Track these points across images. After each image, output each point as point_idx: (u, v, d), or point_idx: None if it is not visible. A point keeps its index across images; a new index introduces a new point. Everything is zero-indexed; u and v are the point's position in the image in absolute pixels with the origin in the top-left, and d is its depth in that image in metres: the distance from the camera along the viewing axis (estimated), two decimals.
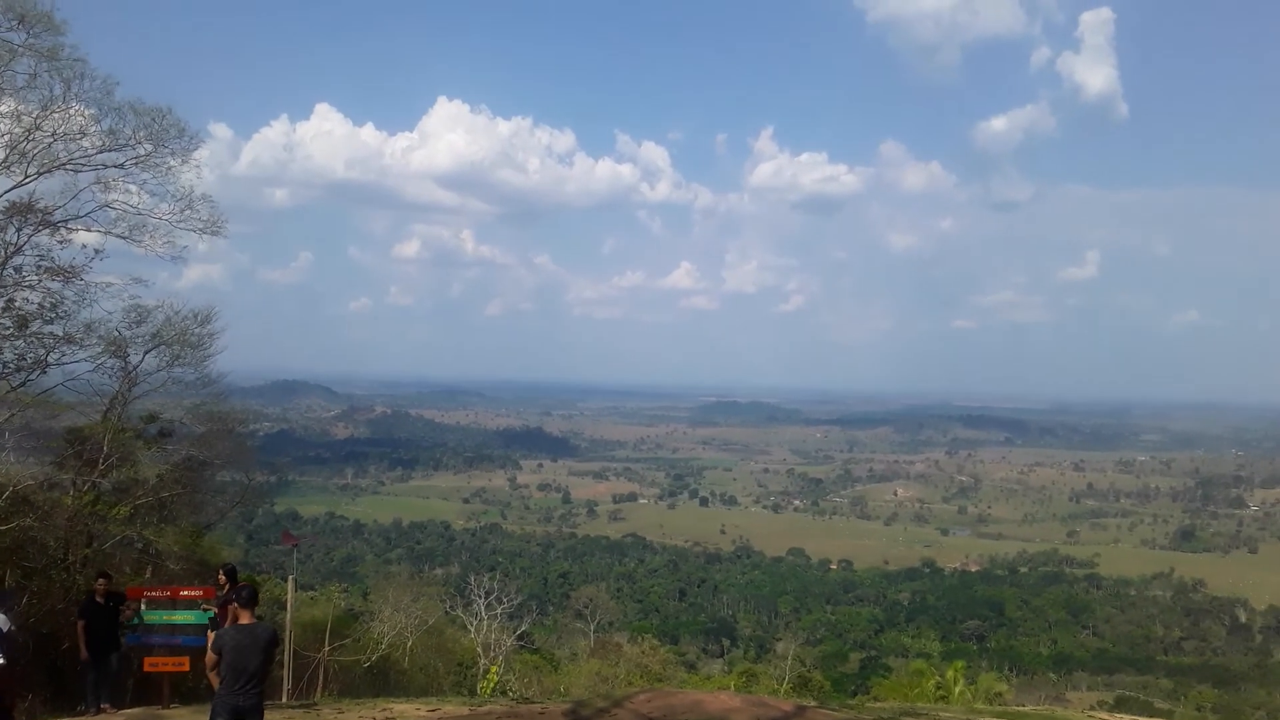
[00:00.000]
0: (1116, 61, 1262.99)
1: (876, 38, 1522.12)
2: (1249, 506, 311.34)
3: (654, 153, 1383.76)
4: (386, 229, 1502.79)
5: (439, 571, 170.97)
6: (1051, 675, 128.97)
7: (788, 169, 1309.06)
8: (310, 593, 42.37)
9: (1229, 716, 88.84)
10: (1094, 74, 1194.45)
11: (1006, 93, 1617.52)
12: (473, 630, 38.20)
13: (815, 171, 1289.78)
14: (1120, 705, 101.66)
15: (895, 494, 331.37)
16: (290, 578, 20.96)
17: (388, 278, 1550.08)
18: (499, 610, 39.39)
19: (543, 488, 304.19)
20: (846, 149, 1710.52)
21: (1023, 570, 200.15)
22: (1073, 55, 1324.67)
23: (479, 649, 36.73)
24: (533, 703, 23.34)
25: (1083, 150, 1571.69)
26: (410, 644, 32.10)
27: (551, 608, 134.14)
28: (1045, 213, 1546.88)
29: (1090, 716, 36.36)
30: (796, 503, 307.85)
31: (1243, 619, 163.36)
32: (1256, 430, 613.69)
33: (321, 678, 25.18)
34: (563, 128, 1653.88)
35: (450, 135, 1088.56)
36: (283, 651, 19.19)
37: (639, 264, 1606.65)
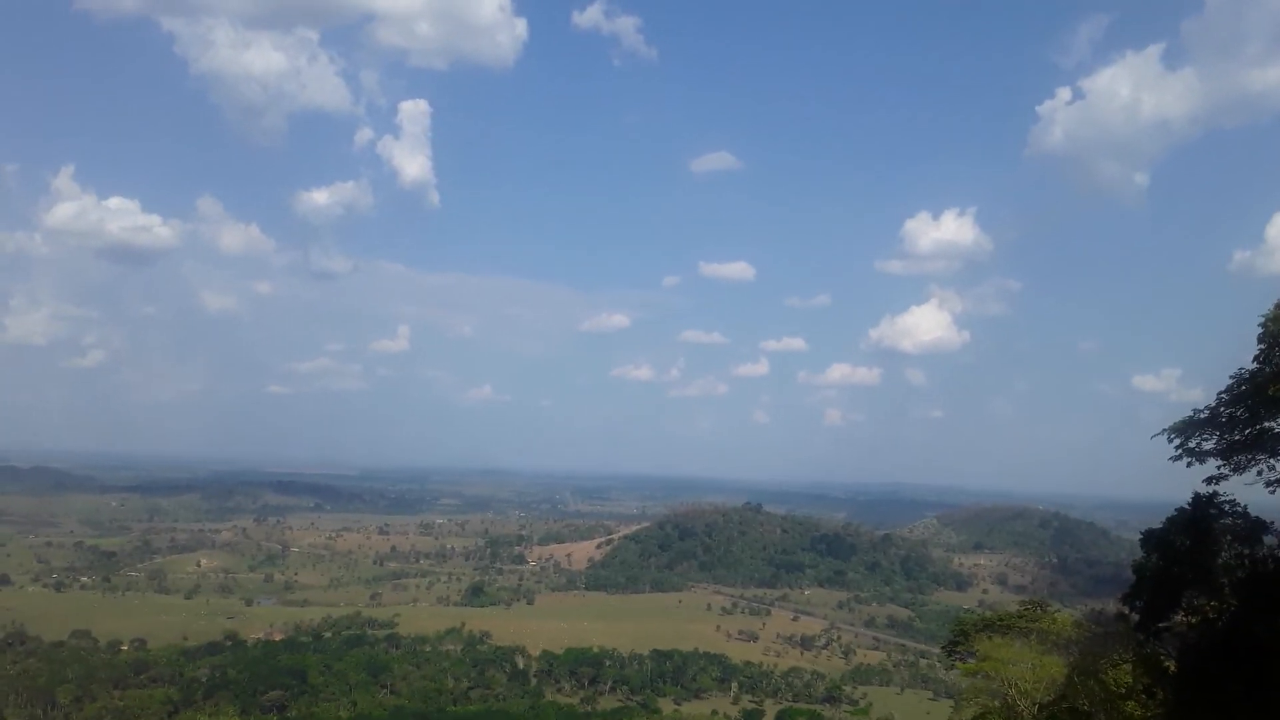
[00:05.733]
0: (431, 153, 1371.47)
1: (199, 91, 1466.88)
2: (528, 562, 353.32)
3: None
4: None
5: None
6: None
7: (92, 212, 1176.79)
8: None
9: None
10: (411, 161, 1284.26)
11: (330, 166, 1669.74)
12: None
13: (125, 219, 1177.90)
14: None
15: (199, 565, 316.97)
16: None
17: None
18: None
19: None
20: (161, 200, 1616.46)
21: (327, 635, 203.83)
22: (393, 140, 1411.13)
23: None
24: None
25: (399, 231, 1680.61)
26: None
27: None
28: (362, 286, 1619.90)
29: None
30: (85, 579, 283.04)
31: (521, 665, 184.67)
32: (536, 494, 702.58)
33: None
34: None
35: None
36: None
37: None
